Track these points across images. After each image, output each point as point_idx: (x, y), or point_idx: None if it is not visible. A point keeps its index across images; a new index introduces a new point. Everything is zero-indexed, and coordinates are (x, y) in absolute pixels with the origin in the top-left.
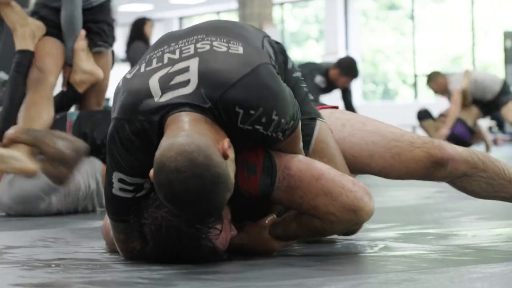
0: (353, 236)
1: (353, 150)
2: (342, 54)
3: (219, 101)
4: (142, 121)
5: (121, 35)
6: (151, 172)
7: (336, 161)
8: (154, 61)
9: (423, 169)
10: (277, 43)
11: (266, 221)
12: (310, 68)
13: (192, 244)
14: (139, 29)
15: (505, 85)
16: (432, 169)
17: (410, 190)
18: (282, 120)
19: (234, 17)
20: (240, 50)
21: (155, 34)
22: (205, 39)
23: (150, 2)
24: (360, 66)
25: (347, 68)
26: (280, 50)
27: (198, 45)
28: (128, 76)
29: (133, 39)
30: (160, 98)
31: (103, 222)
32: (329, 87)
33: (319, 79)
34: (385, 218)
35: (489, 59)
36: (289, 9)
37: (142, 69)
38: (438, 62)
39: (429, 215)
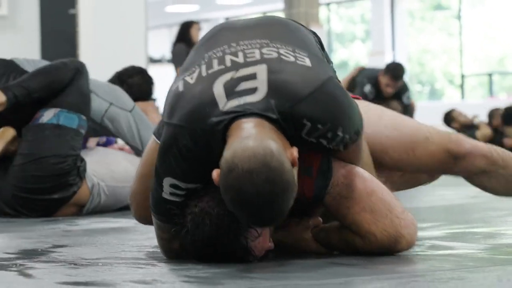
0: None
1: (367, 143)
2: (388, 55)
3: (289, 113)
4: (205, 130)
5: (168, 36)
6: (215, 173)
7: (363, 161)
8: (215, 62)
9: (439, 163)
10: (315, 34)
11: (310, 222)
12: (364, 75)
13: (228, 238)
14: (184, 31)
15: None
16: (448, 163)
17: (457, 189)
18: (346, 136)
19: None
20: (307, 62)
21: (201, 36)
22: (270, 45)
23: (196, 3)
24: (407, 66)
25: (390, 68)
26: (318, 42)
27: (264, 50)
28: (190, 81)
29: (178, 41)
30: (225, 106)
31: (131, 188)
32: (377, 97)
33: (368, 89)
34: (432, 217)
35: None
36: (335, 9)
37: (204, 72)
38: (485, 62)
39: (476, 214)
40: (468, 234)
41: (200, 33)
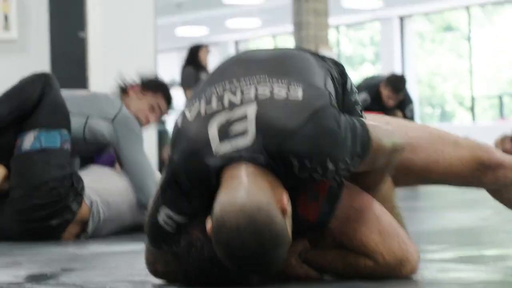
0: None
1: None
2: None
3: (276, 153)
4: (200, 171)
5: (177, 59)
6: (209, 226)
7: (383, 194)
8: (214, 101)
9: (469, 171)
10: (336, 64)
11: (297, 246)
12: (367, 83)
13: (222, 266)
14: (193, 54)
15: None
16: (479, 172)
17: (467, 212)
18: (340, 164)
19: (290, 40)
20: (299, 94)
21: (211, 58)
22: (266, 80)
23: (206, 26)
24: (417, 89)
25: (391, 80)
26: (340, 72)
27: (259, 87)
28: (189, 118)
29: (186, 65)
30: (218, 149)
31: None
32: (374, 104)
33: (362, 97)
34: (441, 240)
35: None
36: (344, 32)
37: (203, 111)
38: (495, 84)
39: (487, 237)
40: (478, 257)
41: (209, 56)
